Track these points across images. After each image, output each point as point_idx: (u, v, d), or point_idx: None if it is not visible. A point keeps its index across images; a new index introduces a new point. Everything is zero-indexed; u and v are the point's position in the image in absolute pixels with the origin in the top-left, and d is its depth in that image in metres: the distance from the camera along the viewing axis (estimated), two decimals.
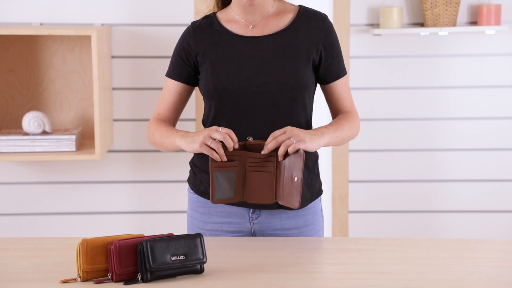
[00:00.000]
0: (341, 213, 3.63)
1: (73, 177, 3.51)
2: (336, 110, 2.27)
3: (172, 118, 2.27)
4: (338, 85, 2.24)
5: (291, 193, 2.03)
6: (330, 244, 2.17)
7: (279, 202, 2.08)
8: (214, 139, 2.02)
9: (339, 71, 2.23)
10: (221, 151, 2.01)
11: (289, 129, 2.03)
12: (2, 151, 3.21)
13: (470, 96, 3.58)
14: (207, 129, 2.05)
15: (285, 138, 2.02)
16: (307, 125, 2.23)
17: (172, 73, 2.25)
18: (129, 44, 3.43)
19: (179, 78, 2.23)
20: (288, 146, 2.01)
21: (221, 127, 2.04)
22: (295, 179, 2.02)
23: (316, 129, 2.12)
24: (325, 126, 2.14)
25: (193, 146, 2.05)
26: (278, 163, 2.05)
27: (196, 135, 2.06)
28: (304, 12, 2.21)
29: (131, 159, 3.52)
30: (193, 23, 2.24)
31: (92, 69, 3.18)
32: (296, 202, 2.02)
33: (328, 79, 2.22)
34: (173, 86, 2.25)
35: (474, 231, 3.65)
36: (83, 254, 1.77)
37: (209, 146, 2.02)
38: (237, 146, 2.03)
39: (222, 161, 2.03)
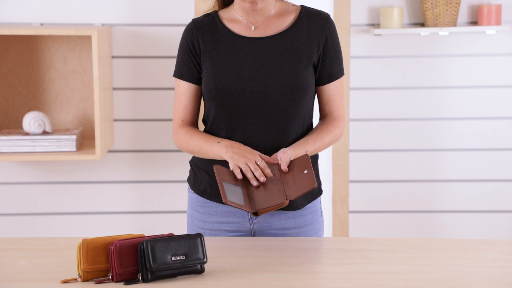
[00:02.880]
0: (342, 213, 3.63)
1: (73, 177, 3.51)
2: (323, 113, 2.25)
3: (195, 120, 2.26)
4: (330, 88, 2.22)
5: (304, 179, 2.02)
6: (330, 244, 2.17)
7: (292, 198, 2.02)
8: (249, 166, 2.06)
9: (335, 73, 2.21)
10: (249, 175, 2.04)
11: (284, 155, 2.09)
12: (2, 151, 3.21)
13: (470, 96, 3.58)
14: (250, 154, 2.07)
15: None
16: (308, 126, 2.23)
17: (182, 74, 2.22)
18: (129, 44, 3.43)
19: (190, 79, 2.21)
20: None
21: (260, 160, 2.06)
22: (305, 171, 2.01)
23: (300, 146, 2.14)
24: (308, 142, 2.15)
25: (233, 162, 2.07)
26: (281, 171, 2.06)
27: (241, 154, 2.08)
28: (306, 13, 2.20)
29: (132, 159, 3.52)
30: (194, 20, 2.23)
31: (93, 69, 3.18)
32: (313, 182, 2.00)
33: (322, 80, 2.21)
34: (186, 89, 2.22)
35: (474, 231, 3.65)
36: (83, 254, 1.77)
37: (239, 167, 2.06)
38: (263, 179, 2.04)
39: (229, 173, 2.06)
